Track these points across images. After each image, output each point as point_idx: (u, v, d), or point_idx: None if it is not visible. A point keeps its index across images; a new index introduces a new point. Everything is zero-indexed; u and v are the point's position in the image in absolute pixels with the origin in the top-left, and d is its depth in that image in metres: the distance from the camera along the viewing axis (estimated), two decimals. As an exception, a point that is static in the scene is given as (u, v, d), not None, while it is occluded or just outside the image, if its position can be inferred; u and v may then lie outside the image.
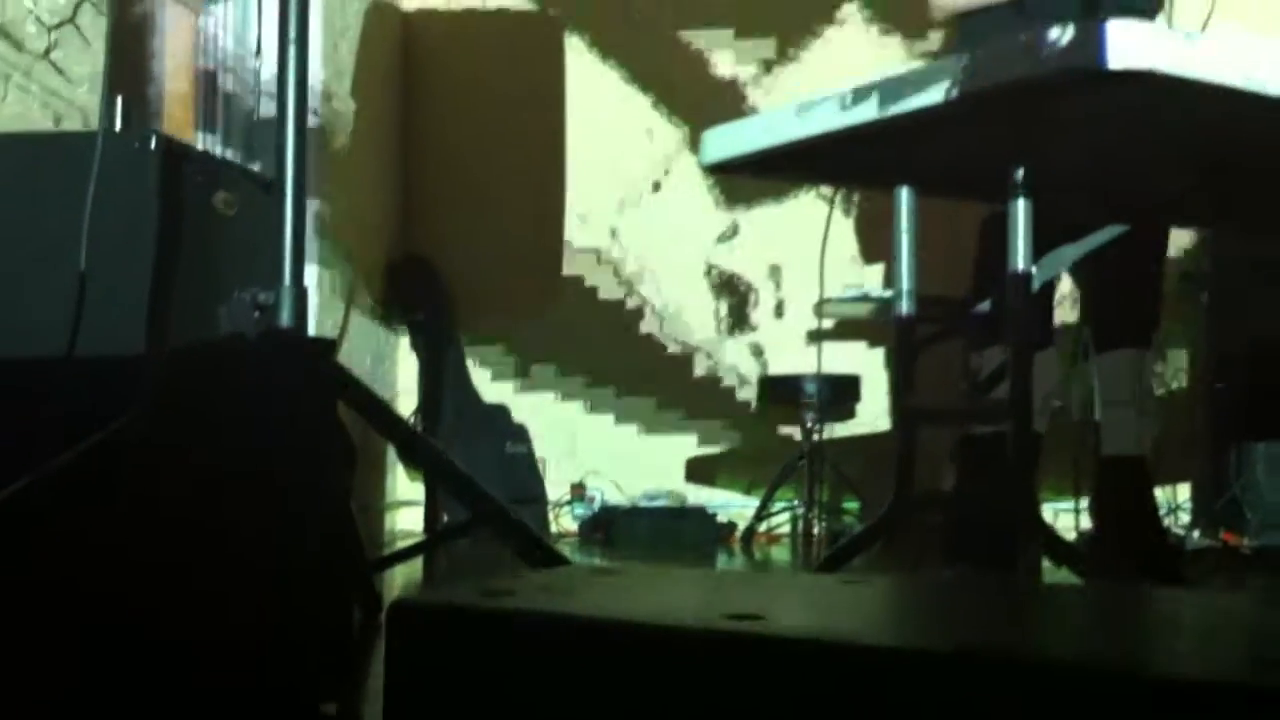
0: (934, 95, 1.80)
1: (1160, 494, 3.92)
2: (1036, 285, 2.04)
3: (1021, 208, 1.97)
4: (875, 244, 4.66)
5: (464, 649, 0.98)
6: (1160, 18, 2.78)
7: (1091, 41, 1.58)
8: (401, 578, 2.96)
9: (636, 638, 0.93)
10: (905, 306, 2.19)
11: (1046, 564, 2.49)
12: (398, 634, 1.02)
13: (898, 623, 1.07)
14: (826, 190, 4.46)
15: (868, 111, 1.90)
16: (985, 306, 2.32)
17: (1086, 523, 2.85)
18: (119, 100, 2.49)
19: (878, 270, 4.70)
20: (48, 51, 2.98)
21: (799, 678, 0.87)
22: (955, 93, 1.77)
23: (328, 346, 2.00)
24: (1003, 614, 1.07)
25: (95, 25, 3.10)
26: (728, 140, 2.15)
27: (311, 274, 4.15)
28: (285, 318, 1.95)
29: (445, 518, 4.17)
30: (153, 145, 2.40)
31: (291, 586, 1.65)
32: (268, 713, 1.50)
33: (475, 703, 0.96)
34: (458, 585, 1.08)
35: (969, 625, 1.01)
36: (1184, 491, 4.37)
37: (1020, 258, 1.97)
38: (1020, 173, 1.97)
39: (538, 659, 0.95)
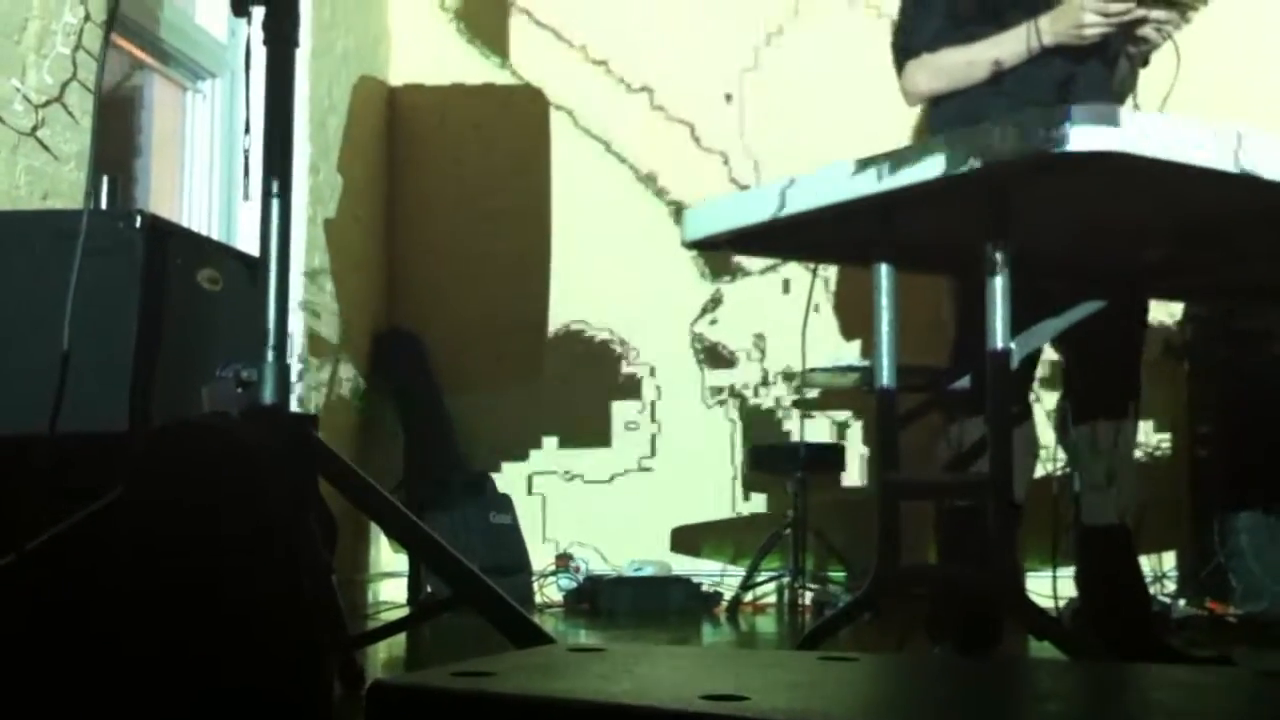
0: (909, 177, 1.84)
1: (1145, 562, 3.92)
2: (1016, 362, 2.06)
3: (999, 285, 1.99)
4: (857, 313, 4.69)
5: (443, 732, 0.98)
6: (1127, 105, 2.83)
7: (1058, 126, 1.62)
8: (385, 652, 2.94)
9: (616, 719, 0.93)
10: (886, 380, 2.21)
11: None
12: (377, 715, 1.02)
13: (877, 703, 1.07)
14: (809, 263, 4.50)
15: (845, 190, 1.93)
16: (965, 383, 2.34)
17: (1066, 591, 2.85)
18: (104, 179, 2.51)
19: (858, 340, 4.73)
20: (35, 129, 3.01)
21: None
22: (930, 175, 1.80)
23: (310, 422, 2.01)
24: (984, 695, 1.07)
25: (83, 103, 3.13)
26: (708, 218, 2.18)
27: (296, 347, 4.17)
28: (268, 394, 1.97)
29: (429, 588, 4.15)
30: (138, 224, 2.41)
31: (273, 661, 1.64)
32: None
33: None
34: (437, 666, 1.08)
35: (948, 707, 1.01)
36: (1169, 559, 4.38)
37: (999, 335, 1.99)
38: (998, 251, 2.00)
39: (517, 743, 0.96)
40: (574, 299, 5.05)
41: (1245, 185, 1.78)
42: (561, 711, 0.95)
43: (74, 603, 1.70)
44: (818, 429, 4.61)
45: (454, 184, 5.16)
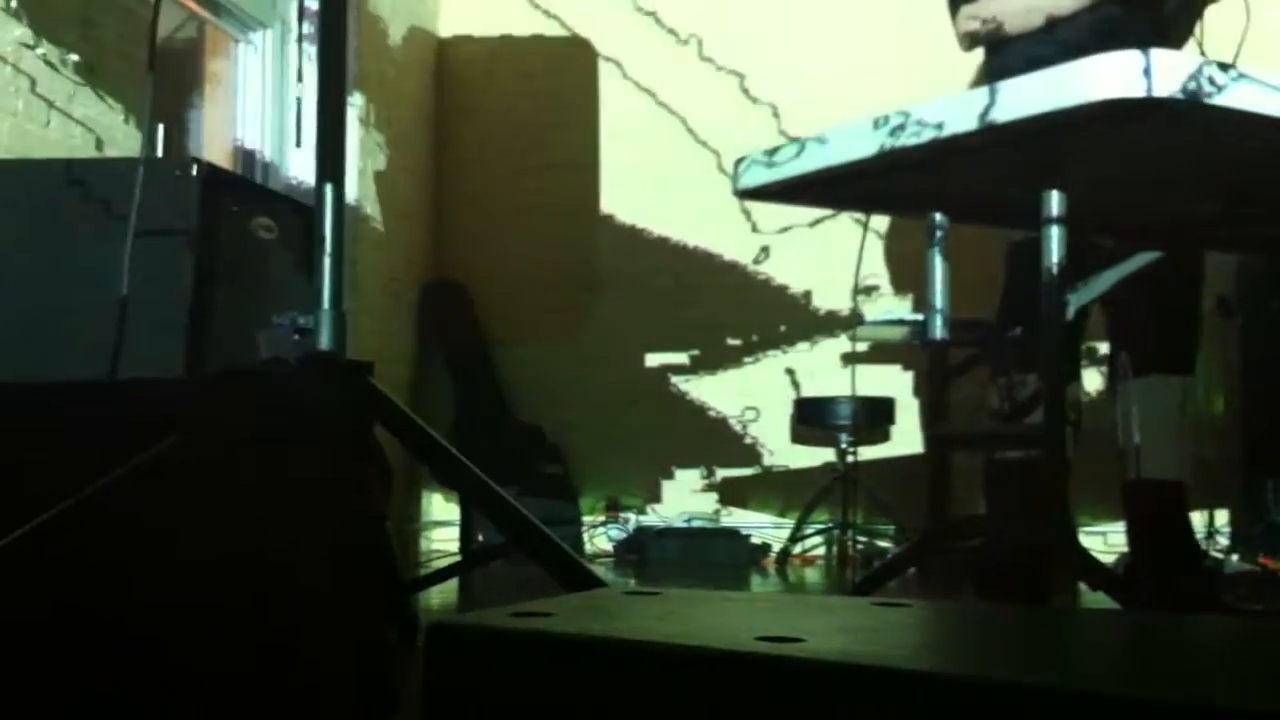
0: (967, 123, 1.81)
1: (1198, 519, 3.89)
2: (1070, 313, 2.04)
3: (1055, 236, 1.97)
4: (908, 267, 4.66)
5: (501, 671, 0.99)
6: (1192, 46, 2.78)
7: (1127, 71, 1.59)
8: (437, 599, 2.98)
9: (672, 660, 0.94)
10: (938, 332, 2.19)
11: (1084, 588, 2.48)
12: (436, 656, 1.03)
13: (933, 648, 1.07)
14: (860, 214, 4.47)
15: (900, 139, 1.91)
16: (1017, 333, 2.32)
17: (1118, 546, 2.83)
18: (160, 128, 2.53)
19: (910, 294, 4.71)
20: (91, 79, 3.03)
21: (832, 700, 0.88)
22: (989, 121, 1.78)
23: (366, 369, 2.02)
24: (1038, 641, 1.07)
25: (137, 54, 3.14)
26: (759, 168, 2.16)
27: (348, 298, 4.19)
28: (324, 341, 1.98)
29: (480, 537, 4.19)
30: (194, 172, 2.43)
31: (328, 608, 1.66)
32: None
33: (514, 724, 0.97)
34: (494, 608, 1.09)
35: (1003, 652, 1.01)
36: (1222, 516, 4.34)
37: (1054, 286, 1.97)
38: (1054, 201, 1.97)
39: (574, 681, 0.96)
40: (622, 250, 5.04)
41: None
42: (620, 651, 0.96)
43: (130, 548, 1.73)
44: (868, 383, 4.59)
45: (502, 136, 5.15)
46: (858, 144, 1.98)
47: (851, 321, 4.35)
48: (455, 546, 4.51)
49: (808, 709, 0.89)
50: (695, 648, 0.95)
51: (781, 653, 0.93)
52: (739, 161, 2.21)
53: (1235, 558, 3.99)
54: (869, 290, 4.46)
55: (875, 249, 4.72)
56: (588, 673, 0.96)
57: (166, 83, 3.68)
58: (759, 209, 4.84)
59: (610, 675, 0.95)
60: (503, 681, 0.99)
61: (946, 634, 1.13)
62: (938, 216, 2.19)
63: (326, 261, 2.03)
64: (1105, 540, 3.90)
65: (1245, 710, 0.75)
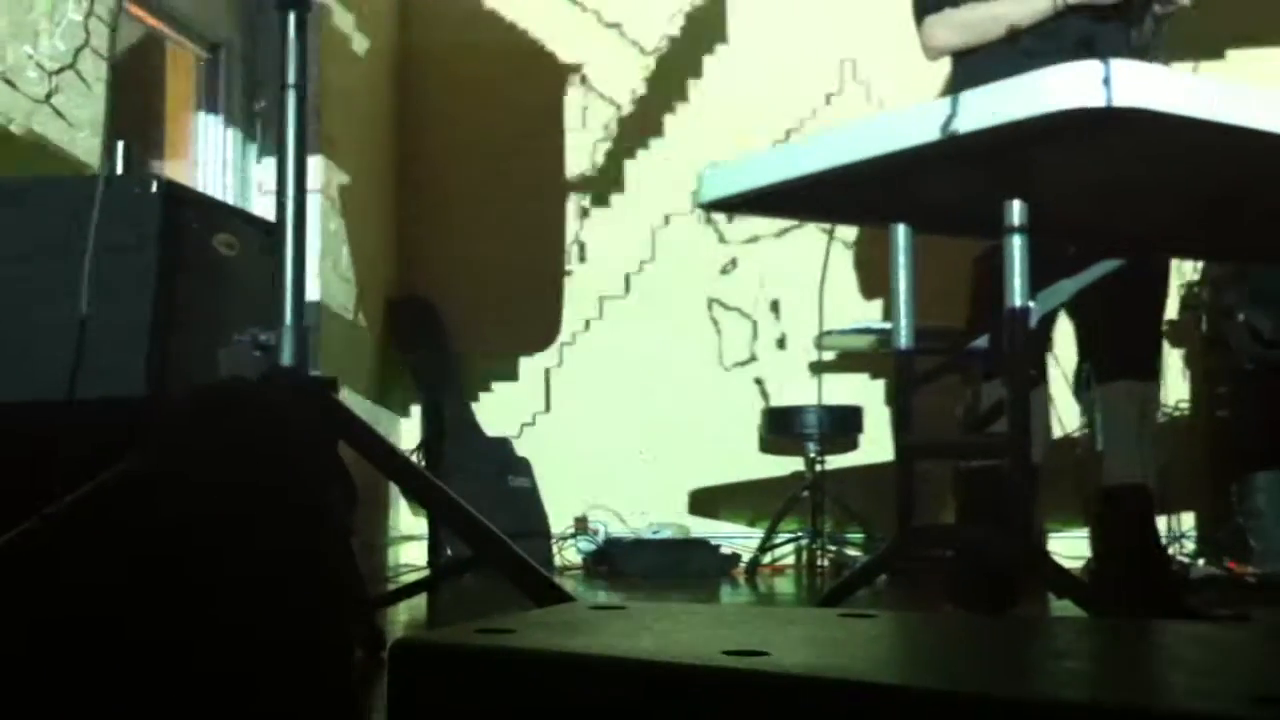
0: (929, 134, 1.82)
1: (1164, 523, 3.92)
2: (1034, 321, 2.05)
3: (1018, 245, 1.98)
4: (874, 276, 4.67)
5: (466, 688, 0.98)
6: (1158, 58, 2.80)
7: (1090, 81, 1.60)
8: (405, 614, 2.96)
9: (635, 675, 0.93)
10: (904, 342, 2.20)
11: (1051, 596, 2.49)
12: (400, 673, 1.02)
13: (900, 660, 1.07)
14: (826, 224, 4.48)
15: (864, 149, 1.92)
16: (983, 342, 2.33)
17: (1086, 552, 2.85)
18: (119, 145, 2.50)
19: (877, 302, 4.72)
20: (49, 96, 3.00)
21: (800, 714, 0.87)
22: (951, 132, 1.78)
23: (329, 385, 2.00)
24: (1005, 652, 1.07)
25: (96, 70, 3.12)
26: (725, 178, 2.16)
27: (312, 313, 4.17)
28: (286, 357, 1.97)
29: (449, 551, 4.17)
30: (154, 189, 2.41)
31: (293, 625, 1.65)
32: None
33: (477, 744, 0.96)
34: (459, 624, 1.08)
35: (970, 663, 1.01)
36: (1188, 520, 4.37)
37: (1017, 294, 1.98)
38: (1017, 210, 1.98)
39: (538, 697, 0.96)
40: (590, 263, 5.04)
41: (1270, 146, 1.76)
42: (584, 667, 0.95)
43: (91, 569, 1.71)
44: (835, 392, 4.60)
45: (467, 149, 5.14)
46: (821, 155, 1.98)
47: (818, 330, 4.35)
48: (424, 561, 4.48)
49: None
50: (659, 663, 0.94)
51: (747, 666, 0.92)
52: (702, 173, 2.21)
53: (1201, 562, 4.02)
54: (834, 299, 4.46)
55: (843, 257, 4.73)
56: (551, 689, 0.95)
57: (127, 100, 3.65)
58: (729, 220, 4.85)
59: (574, 691, 0.95)
60: (467, 699, 0.98)
61: (912, 645, 1.13)
62: (901, 228, 2.19)
63: (288, 278, 2.02)
64: (1073, 547, 3.93)
65: (1211, 714, 0.75)
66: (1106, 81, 1.59)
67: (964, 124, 1.77)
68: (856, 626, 1.17)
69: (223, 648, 1.61)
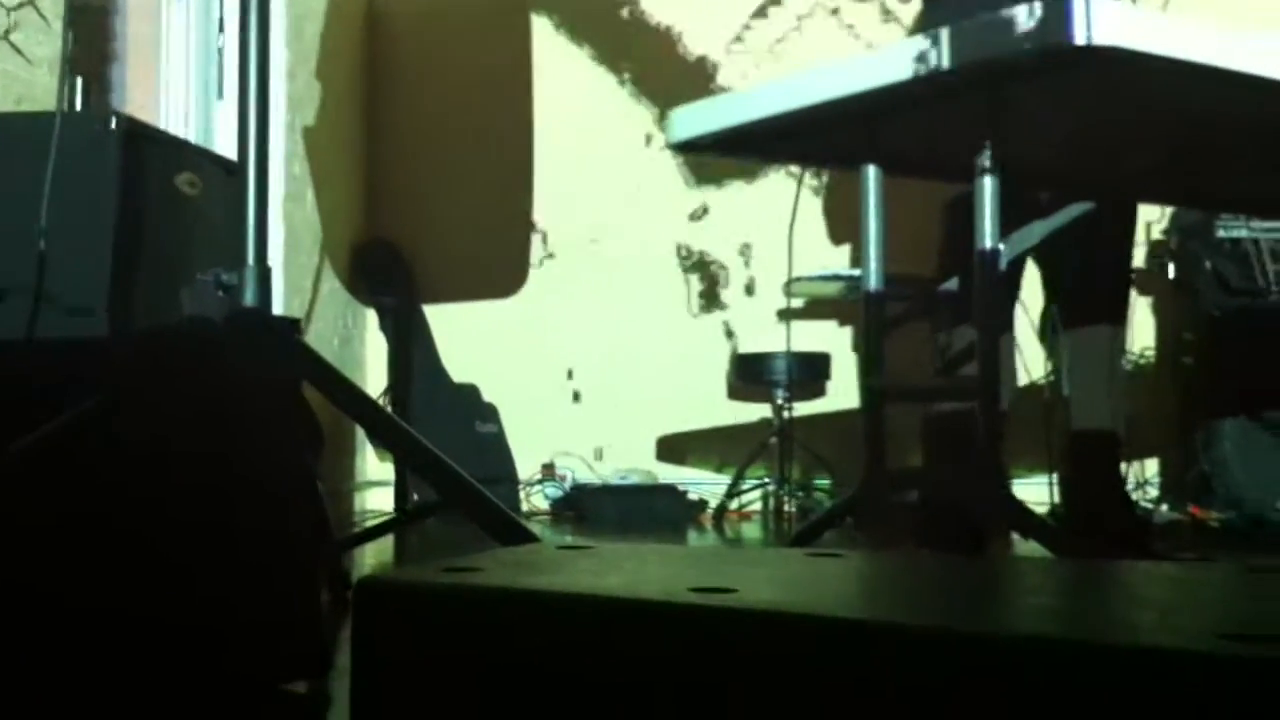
0: (901, 73, 1.80)
1: (1129, 469, 3.94)
2: (1004, 264, 2.04)
3: (989, 187, 1.97)
4: (844, 223, 4.66)
5: (432, 626, 0.98)
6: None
7: (1064, 19, 1.59)
8: (372, 558, 2.95)
9: (605, 612, 0.92)
10: (873, 284, 2.19)
11: (1016, 539, 2.50)
12: (365, 612, 1.01)
13: (866, 596, 1.07)
14: (795, 169, 4.46)
15: (835, 89, 1.90)
16: (953, 285, 2.33)
17: (1058, 497, 2.86)
18: (79, 81, 2.46)
19: (846, 249, 4.71)
20: (7, 33, 2.94)
21: (767, 648, 0.87)
22: (923, 71, 1.77)
23: (293, 326, 1.98)
24: (972, 588, 1.07)
25: (55, 6, 3.06)
26: (696, 119, 2.14)
27: (276, 256, 4.12)
28: (250, 298, 1.94)
29: (415, 498, 4.16)
30: (113, 126, 2.37)
31: (258, 567, 1.64)
32: (234, 693, 1.49)
33: (445, 679, 0.96)
34: (426, 564, 1.07)
35: (937, 599, 1.01)
36: (1152, 467, 4.41)
37: (987, 237, 1.97)
38: (987, 152, 1.97)
39: (505, 635, 0.95)
40: (558, 207, 5.00)
41: (1243, 87, 1.76)
42: (551, 605, 0.94)
43: (51, 510, 1.69)
44: (803, 339, 4.60)
45: (435, 92, 5.08)
46: (792, 96, 1.96)
47: (787, 277, 4.34)
48: (390, 507, 4.47)
49: (740, 658, 0.88)
50: (627, 599, 0.94)
51: (714, 603, 0.92)
52: (673, 113, 2.19)
53: (1165, 507, 4.06)
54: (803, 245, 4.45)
55: (812, 204, 4.71)
56: (518, 626, 0.95)
57: (86, 36, 3.58)
58: (698, 166, 4.82)
59: (541, 628, 0.94)
60: (434, 637, 0.98)
61: (879, 582, 1.13)
62: (871, 169, 2.18)
63: (251, 217, 1.99)
64: (1038, 494, 3.95)
65: (1177, 649, 0.75)
66: (1084, 18, 1.58)
67: (938, 61, 1.76)
68: (823, 565, 1.17)
69: (188, 590, 1.59)
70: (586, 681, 0.92)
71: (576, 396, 4.97)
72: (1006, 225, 2.03)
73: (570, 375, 4.99)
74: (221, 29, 3.92)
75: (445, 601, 0.97)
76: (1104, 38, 1.59)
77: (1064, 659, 0.76)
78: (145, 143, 2.46)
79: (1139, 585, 1.10)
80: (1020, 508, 1.98)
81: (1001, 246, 1.95)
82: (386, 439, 2.08)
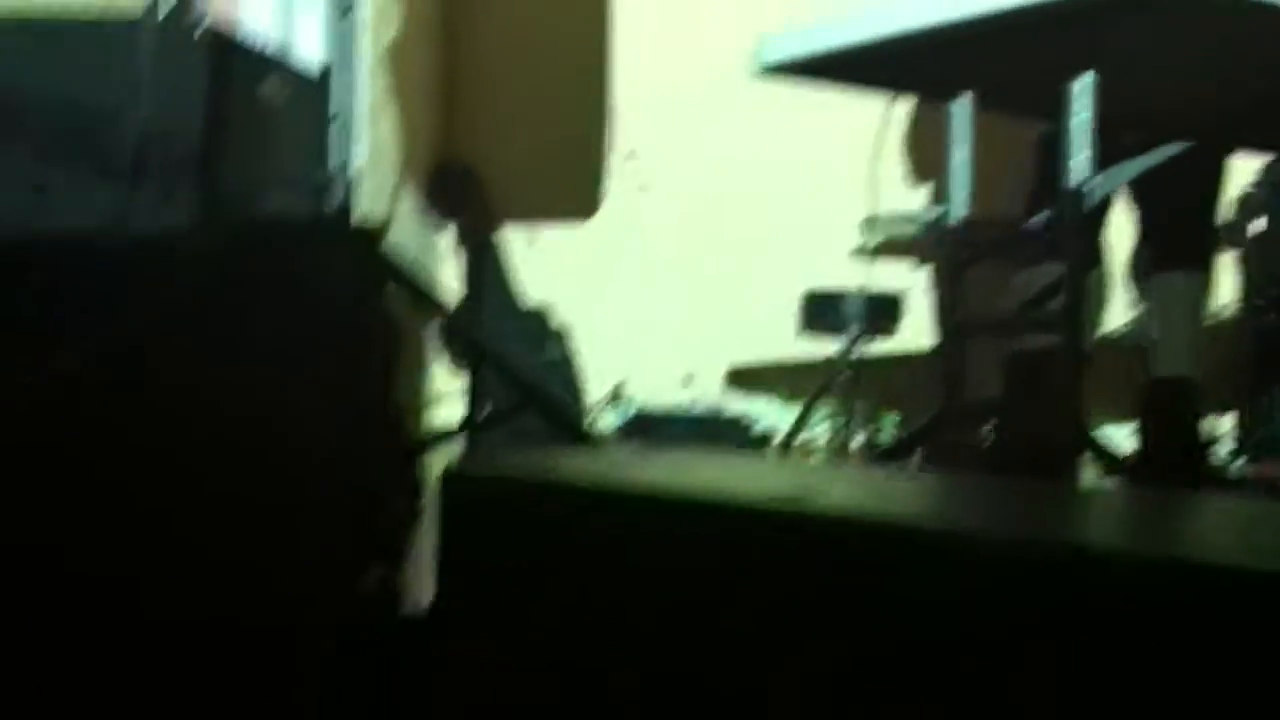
0: (1001, 2, 1.77)
1: (1204, 421, 3.88)
2: (1095, 200, 2.01)
3: (1084, 120, 1.94)
4: (923, 163, 4.59)
5: (515, 519, 0.99)
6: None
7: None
8: (443, 465, 2.98)
9: (683, 509, 0.93)
10: (958, 217, 2.17)
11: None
12: (450, 502, 1.03)
13: (944, 510, 1.07)
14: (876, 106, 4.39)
15: (933, 15, 1.87)
16: (1039, 220, 2.29)
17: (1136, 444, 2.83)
18: (162, -12, 2.47)
19: (921, 191, 4.65)
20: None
21: (842, 556, 0.87)
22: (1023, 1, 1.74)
23: (376, 233, 2.00)
24: (1053, 508, 1.07)
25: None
26: (786, 43, 2.12)
27: (357, 166, 4.14)
28: (334, 206, 1.96)
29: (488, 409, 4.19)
30: (199, 34, 2.38)
31: (336, 465, 1.67)
32: (316, 589, 1.52)
33: (526, 570, 0.97)
34: (506, 457, 1.09)
35: (1016, 514, 1.01)
36: (1228, 420, 4.33)
37: (1077, 172, 1.95)
38: (1082, 85, 1.94)
39: (586, 530, 0.96)
40: (638, 130, 4.97)
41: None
42: (633, 500, 0.95)
43: (147, 400, 1.72)
44: (878, 276, 4.55)
45: (519, 11, 5.05)
46: (888, 21, 1.94)
47: (866, 214, 4.29)
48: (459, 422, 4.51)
49: (814, 564, 0.89)
50: (706, 500, 0.95)
51: (793, 509, 0.92)
52: (762, 37, 2.16)
53: (1240, 462, 3.99)
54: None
55: (891, 140, 4.65)
56: (598, 521, 0.96)
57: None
58: (780, 95, 4.76)
59: (620, 523, 0.95)
60: (517, 529, 0.99)
61: (956, 499, 1.13)
62: (963, 102, 2.15)
63: (335, 127, 2.01)
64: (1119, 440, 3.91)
65: (1259, 570, 0.74)
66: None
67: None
68: (899, 481, 1.18)
69: (268, 483, 1.63)
70: (665, 579, 0.94)
71: (646, 323, 4.97)
72: (1098, 161, 2.00)
73: (641, 302, 4.98)
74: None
75: (531, 494, 0.99)
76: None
77: (1135, 573, 0.76)
78: (232, 50, 2.47)
79: (1207, 512, 1.09)
80: (1099, 445, 1.97)
81: (1093, 181, 1.92)
82: (462, 344, 2.10)
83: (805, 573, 0.88)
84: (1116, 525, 0.97)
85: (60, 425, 1.66)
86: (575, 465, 1.07)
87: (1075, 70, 1.94)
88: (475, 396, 4.31)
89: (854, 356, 4.46)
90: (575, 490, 0.97)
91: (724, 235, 4.97)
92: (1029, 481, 1.61)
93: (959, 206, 2.18)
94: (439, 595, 1.01)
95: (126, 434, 1.67)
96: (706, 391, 4.83)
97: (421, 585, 1.37)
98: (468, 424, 2.24)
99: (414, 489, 2.02)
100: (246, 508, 1.63)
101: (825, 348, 4.81)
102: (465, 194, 4.96)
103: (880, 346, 4.64)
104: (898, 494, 1.08)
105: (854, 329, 4.47)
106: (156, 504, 1.61)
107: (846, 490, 1.08)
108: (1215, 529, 1.00)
